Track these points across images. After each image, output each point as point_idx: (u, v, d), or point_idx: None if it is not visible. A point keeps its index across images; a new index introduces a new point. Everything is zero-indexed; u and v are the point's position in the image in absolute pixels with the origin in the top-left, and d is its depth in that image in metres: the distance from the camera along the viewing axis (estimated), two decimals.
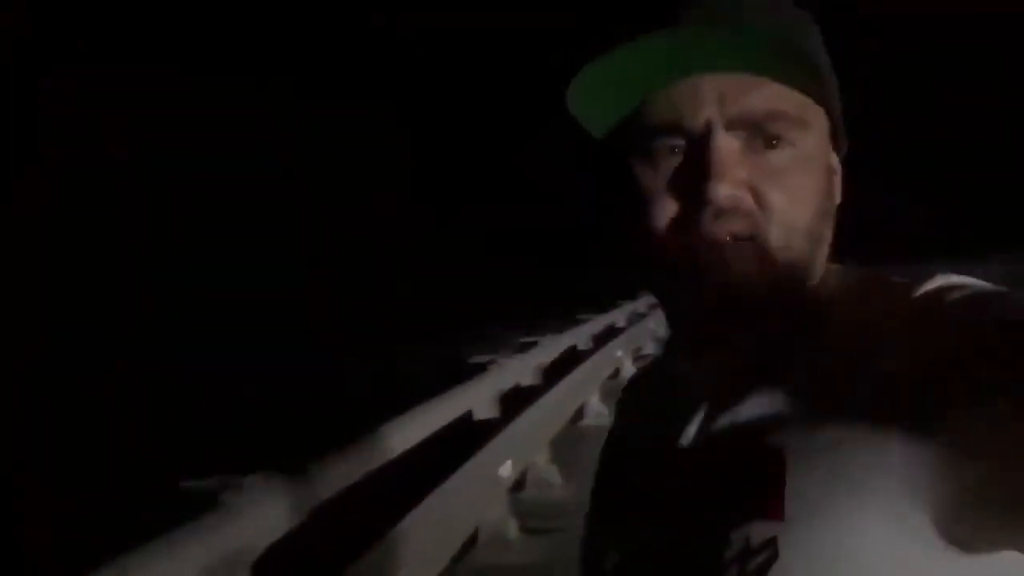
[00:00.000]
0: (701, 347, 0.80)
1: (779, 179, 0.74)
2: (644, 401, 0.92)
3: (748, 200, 0.73)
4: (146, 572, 1.97)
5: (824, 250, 0.79)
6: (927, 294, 0.71)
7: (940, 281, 0.72)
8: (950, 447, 0.63)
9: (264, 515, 2.37)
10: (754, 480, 0.71)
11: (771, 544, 0.69)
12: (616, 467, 0.91)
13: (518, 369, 6.61)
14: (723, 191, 0.72)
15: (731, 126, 0.74)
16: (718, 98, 0.74)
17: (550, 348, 7.96)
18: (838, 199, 0.82)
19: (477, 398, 5.45)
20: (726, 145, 0.73)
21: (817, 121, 0.77)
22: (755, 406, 0.75)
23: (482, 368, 5.91)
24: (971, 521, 0.64)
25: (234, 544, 2.23)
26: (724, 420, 0.77)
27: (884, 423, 0.66)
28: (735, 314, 0.74)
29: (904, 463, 0.65)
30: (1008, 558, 0.66)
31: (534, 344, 7.38)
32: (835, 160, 0.82)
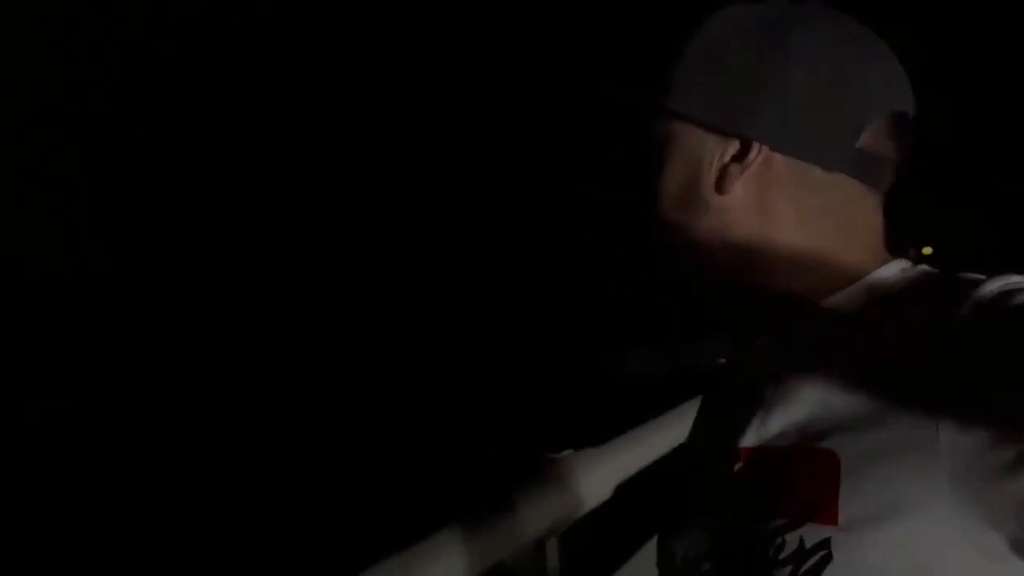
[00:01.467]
0: (751, 345, 0.85)
1: None
2: (715, 403, 0.95)
3: None
4: (487, 529, 2.12)
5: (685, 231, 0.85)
6: (985, 296, 0.71)
7: (1001, 283, 0.72)
8: (1005, 455, 0.64)
9: (582, 484, 2.51)
10: (808, 482, 0.73)
11: (825, 545, 0.70)
12: (687, 467, 0.92)
13: None
14: None
15: None
16: None
17: None
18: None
19: None
20: None
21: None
22: (809, 406, 0.77)
23: None
24: None
25: (554, 510, 2.34)
26: (779, 420, 0.79)
27: (935, 429, 0.68)
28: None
29: (957, 471, 0.66)
30: None
31: None
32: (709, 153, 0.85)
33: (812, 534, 0.72)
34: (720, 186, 0.82)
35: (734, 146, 0.82)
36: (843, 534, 0.70)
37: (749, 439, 0.81)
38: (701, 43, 0.83)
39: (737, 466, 0.81)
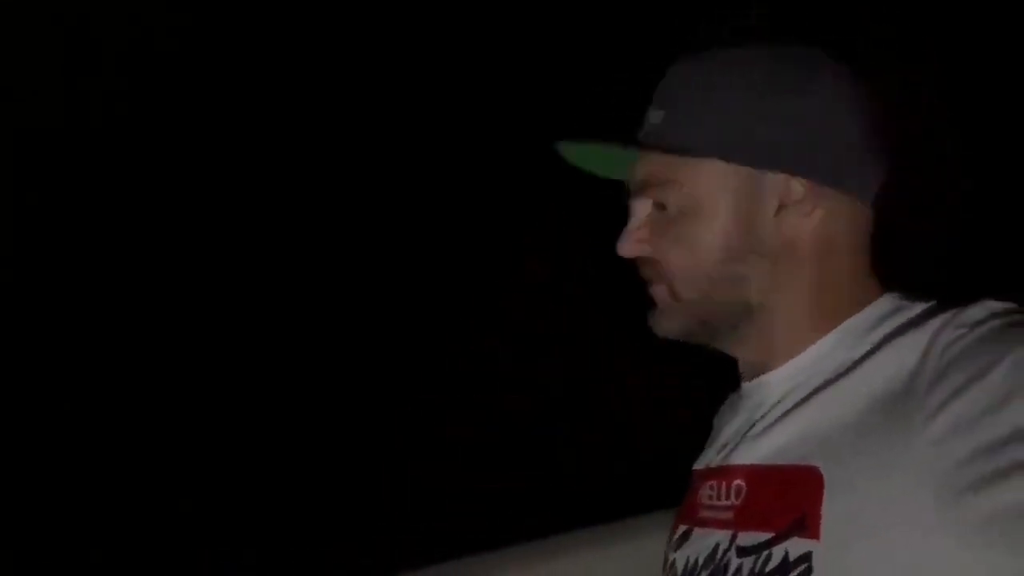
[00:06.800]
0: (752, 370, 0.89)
1: (668, 232, 0.85)
2: (722, 422, 0.98)
3: (649, 251, 0.86)
4: None
5: (747, 280, 0.84)
6: (967, 321, 0.74)
7: (982, 308, 0.75)
8: (987, 467, 0.67)
9: None
10: (794, 498, 0.77)
11: (806, 558, 0.74)
12: (693, 483, 0.97)
13: None
14: (624, 249, 0.87)
15: (637, 194, 0.88)
16: (633, 173, 0.88)
17: None
18: (763, 229, 0.84)
19: None
20: (636, 209, 0.88)
21: (692, 176, 0.84)
22: (799, 427, 0.81)
23: None
24: (1009, 545, 0.68)
25: None
26: (773, 440, 0.83)
27: (918, 446, 0.70)
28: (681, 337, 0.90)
29: (941, 484, 0.69)
30: None
31: None
32: (742, 196, 0.84)
33: (796, 547, 0.75)
34: (754, 227, 0.84)
35: (782, 182, 0.83)
36: (824, 547, 0.73)
37: (746, 457, 0.85)
38: (726, 87, 0.84)
39: (736, 482, 0.85)
